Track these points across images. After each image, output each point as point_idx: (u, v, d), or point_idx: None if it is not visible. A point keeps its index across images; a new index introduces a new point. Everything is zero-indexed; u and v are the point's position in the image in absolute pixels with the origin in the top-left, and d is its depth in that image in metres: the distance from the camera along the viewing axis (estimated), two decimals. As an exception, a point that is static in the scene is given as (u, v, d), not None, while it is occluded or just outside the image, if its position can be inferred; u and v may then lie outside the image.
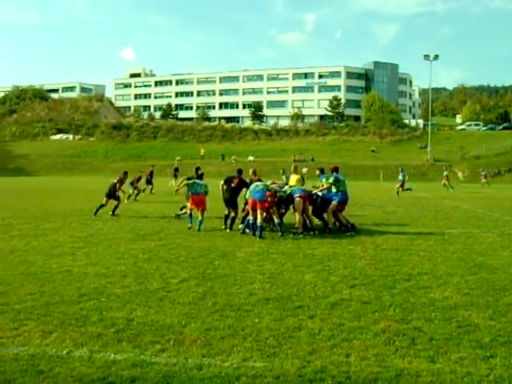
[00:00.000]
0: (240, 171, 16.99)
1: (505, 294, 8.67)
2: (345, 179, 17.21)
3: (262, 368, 5.56)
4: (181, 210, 19.37)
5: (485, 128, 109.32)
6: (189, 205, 17.15)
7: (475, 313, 7.57)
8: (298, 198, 15.78)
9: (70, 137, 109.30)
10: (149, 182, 35.85)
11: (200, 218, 16.55)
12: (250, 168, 18.48)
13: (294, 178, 17.33)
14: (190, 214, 16.95)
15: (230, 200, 16.39)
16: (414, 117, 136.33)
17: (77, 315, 7.28)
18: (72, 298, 8.21)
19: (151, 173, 36.62)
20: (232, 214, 16.45)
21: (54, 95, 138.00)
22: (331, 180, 16.73)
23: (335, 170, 17.09)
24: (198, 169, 18.10)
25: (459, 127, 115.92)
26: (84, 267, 10.62)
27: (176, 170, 45.63)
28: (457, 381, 5.31)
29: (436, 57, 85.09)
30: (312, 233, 15.85)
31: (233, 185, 16.48)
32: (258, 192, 15.29)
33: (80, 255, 11.97)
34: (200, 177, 17.24)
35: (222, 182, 16.91)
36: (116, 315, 7.32)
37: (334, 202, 16.38)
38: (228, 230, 16.25)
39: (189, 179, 17.15)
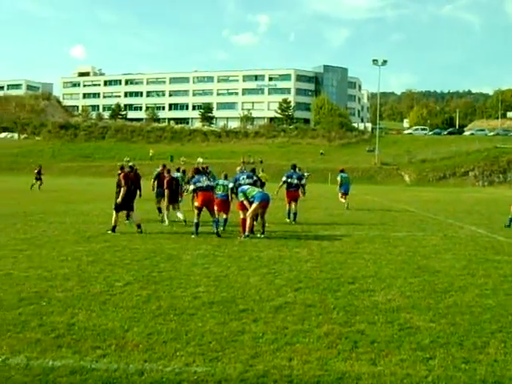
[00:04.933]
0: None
1: (445, 297, 8.83)
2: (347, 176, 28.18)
3: (205, 373, 5.50)
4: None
5: (431, 133, 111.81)
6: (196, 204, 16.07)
7: (416, 315, 7.69)
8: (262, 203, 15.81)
9: (15, 135, 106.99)
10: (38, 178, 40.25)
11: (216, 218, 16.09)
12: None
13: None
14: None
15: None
16: (362, 120, 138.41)
17: (15, 320, 7.07)
18: (11, 302, 7.98)
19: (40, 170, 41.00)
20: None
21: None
22: (339, 177, 27.71)
23: (341, 170, 28.08)
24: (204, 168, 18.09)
25: (406, 131, 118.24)
26: (25, 270, 10.35)
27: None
28: (396, 383, 5.37)
29: (384, 62, 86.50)
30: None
31: None
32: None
33: (22, 258, 11.67)
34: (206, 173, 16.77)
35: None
36: (57, 320, 7.15)
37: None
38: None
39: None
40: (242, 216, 16.06)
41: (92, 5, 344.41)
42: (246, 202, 15.82)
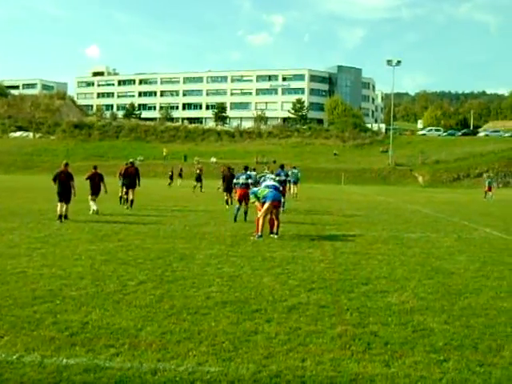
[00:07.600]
0: None
1: (460, 299, 8.78)
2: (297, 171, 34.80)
3: (217, 372, 5.50)
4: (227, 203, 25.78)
5: (445, 134, 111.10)
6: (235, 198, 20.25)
7: (430, 317, 7.64)
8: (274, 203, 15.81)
9: (30, 135, 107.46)
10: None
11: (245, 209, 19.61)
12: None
13: None
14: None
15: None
16: (376, 121, 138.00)
17: (30, 318, 7.11)
18: (25, 300, 8.02)
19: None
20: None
21: (14, 92, 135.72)
22: (290, 172, 31.26)
23: (294, 167, 34.65)
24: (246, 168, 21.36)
25: (420, 132, 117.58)
26: (39, 268, 10.41)
27: (181, 170, 54.96)
28: (410, 385, 5.34)
29: (398, 62, 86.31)
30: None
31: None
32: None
33: (36, 256, 11.74)
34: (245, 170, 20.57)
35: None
36: (70, 318, 7.18)
37: None
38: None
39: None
40: (258, 216, 16.07)
41: (107, 5, 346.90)
42: (257, 204, 15.83)
